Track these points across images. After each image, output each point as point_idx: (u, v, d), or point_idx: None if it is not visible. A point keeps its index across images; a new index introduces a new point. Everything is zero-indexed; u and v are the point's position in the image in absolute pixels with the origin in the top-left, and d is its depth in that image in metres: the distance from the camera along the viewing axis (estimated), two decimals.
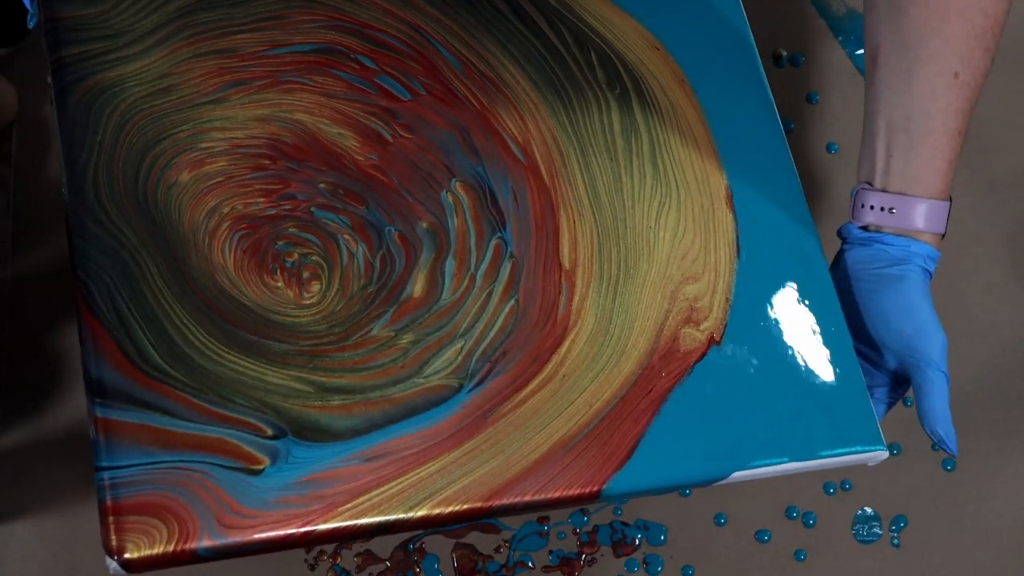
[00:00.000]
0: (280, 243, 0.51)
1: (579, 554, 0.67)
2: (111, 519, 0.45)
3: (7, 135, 0.65)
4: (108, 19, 0.53)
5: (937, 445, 0.54)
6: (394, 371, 0.50)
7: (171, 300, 0.49)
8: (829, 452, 0.52)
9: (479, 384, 0.51)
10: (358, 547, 0.65)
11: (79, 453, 0.63)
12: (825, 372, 0.54)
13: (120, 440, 0.46)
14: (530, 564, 0.66)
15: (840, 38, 0.74)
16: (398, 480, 0.48)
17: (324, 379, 0.49)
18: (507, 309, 0.52)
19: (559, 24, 0.56)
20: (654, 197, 0.55)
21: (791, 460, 0.51)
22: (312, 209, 0.52)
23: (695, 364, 0.53)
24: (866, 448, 0.53)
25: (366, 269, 0.52)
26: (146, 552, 0.45)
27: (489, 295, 0.52)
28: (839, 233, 0.58)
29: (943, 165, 0.54)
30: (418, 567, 0.65)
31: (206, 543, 0.45)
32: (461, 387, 0.50)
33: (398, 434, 0.49)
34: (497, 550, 0.66)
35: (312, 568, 0.65)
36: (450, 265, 0.52)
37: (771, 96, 0.57)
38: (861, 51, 0.74)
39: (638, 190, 0.55)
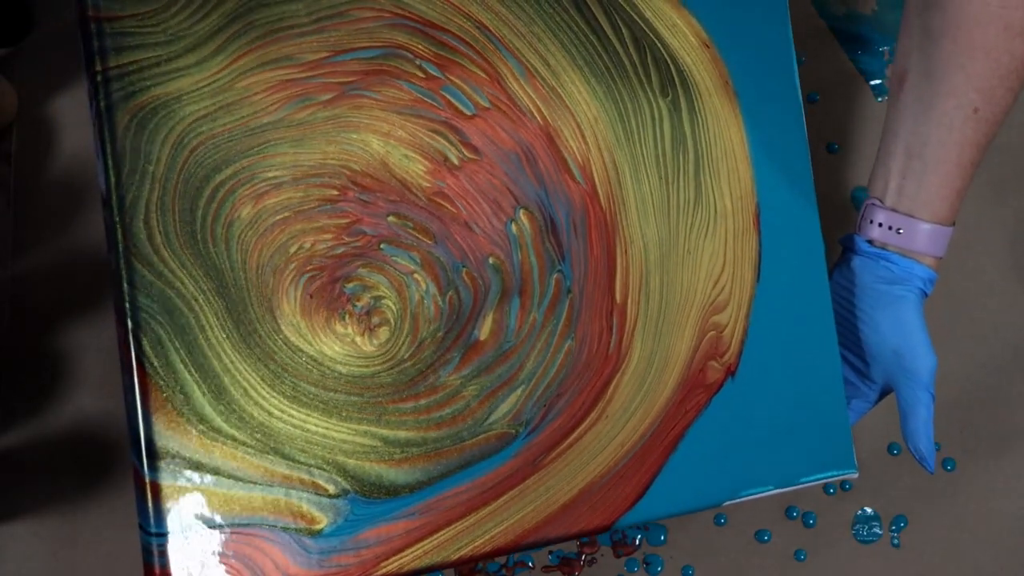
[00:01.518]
0: (349, 286, 0.49)
1: (579, 554, 0.67)
2: None
3: (7, 135, 0.65)
4: (161, 21, 0.47)
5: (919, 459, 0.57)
6: (459, 421, 0.49)
7: (231, 353, 0.46)
8: (808, 478, 0.55)
9: (535, 430, 0.50)
10: None
11: (79, 453, 0.63)
12: (816, 402, 0.55)
13: (172, 505, 0.44)
14: (530, 564, 0.66)
15: (841, 41, 0.74)
16: (442, 532, 0.48)
17: (390, 432, 0.48)
18: (564, 350, 0.51)
19: (617, 19, 0.54)
20: (695, 220, 0.54)
21: (775, 488, 0.54)
22: (381, 245, 0.49)
23: (713, 397, 0.53)
24: (841, 472, 0.56)
25: (435, 312, 0.50)
26: None
27: (550, 335, 0.51)
28: (843, 242, 0.60)
29: (952, 194, 0.56)
30: None
31: None
32: (518, 434, 0.50)
33: (453, 486, 0.49)
34: None
35: None
36: (515, 304, 0.51)
37: (801, 101, 0.57)
38: (860, 52, 0.74)
39: (682, 212, 0.54)
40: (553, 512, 0.50)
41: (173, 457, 0.45)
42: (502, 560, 0.66)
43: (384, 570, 0.47)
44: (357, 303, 0.48)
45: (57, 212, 0.64)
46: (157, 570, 0.44)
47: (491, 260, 0.50)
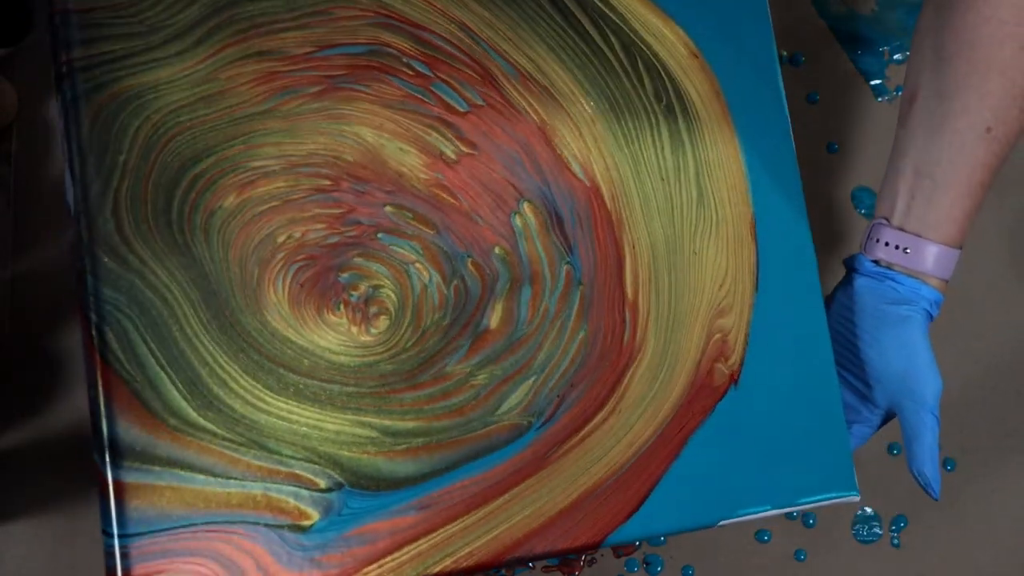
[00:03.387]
0: (344, 275, 0.46)
1: (579, 554, 0.67)
2: None
3: (7, 135, 0.65)
4: (138, 11, 0.45)
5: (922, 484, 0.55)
6: (468, 410, 0.47)
7: (209, 344, 0.44)
8: (807, 499, 0.53)
9: (548, 420, 0.48)
10: None
11: (79, 453, 0.63)
12: (815, 422, 0.54)
13: (136, 504, 0.41)
14: (530, 564, 0.66)
15: (839, 40, 0.74)
16: (440, 531, 0.45)
17: (390, 422, 0.46)
18: (578, 340, 0.50)
19: (604, 27, 0.53)
20: (698, 221, 0.53)
21: (772, 508, 0.52)
22: (379, 235, 0.47)
23: (717, 403, 0.52)
24: (842, 494, 0.54)
25: (440, 300, 0.48)
26: None
27: (563, 325, 0.50)
28: (847, 262, 0.59)
29: (961, 215, 0.54)
30: None
31: None
32: (531, 425, 0.48)
33: (459, 478, 0.46)
34: None
35: None
36: (526, 293, 0.49)
37: (787, 113, 0.57)
38: (860, 52, 0.74)
39: (686, 212, 0.53)
40: (548, 519, 0.48)
41: (139, 454, 0.42)
42: None
43: (375, 571, 0.44)
44: (353, 292, 0.46)
45: (57, 212, 0.64)
46: (119, 573, 0.41)
47: (497, 250, 0.49)
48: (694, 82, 0.55)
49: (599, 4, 0.53)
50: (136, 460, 0.42)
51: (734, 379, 0.53)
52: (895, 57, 0.74)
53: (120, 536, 0.41)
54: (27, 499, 0.63)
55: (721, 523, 0.52)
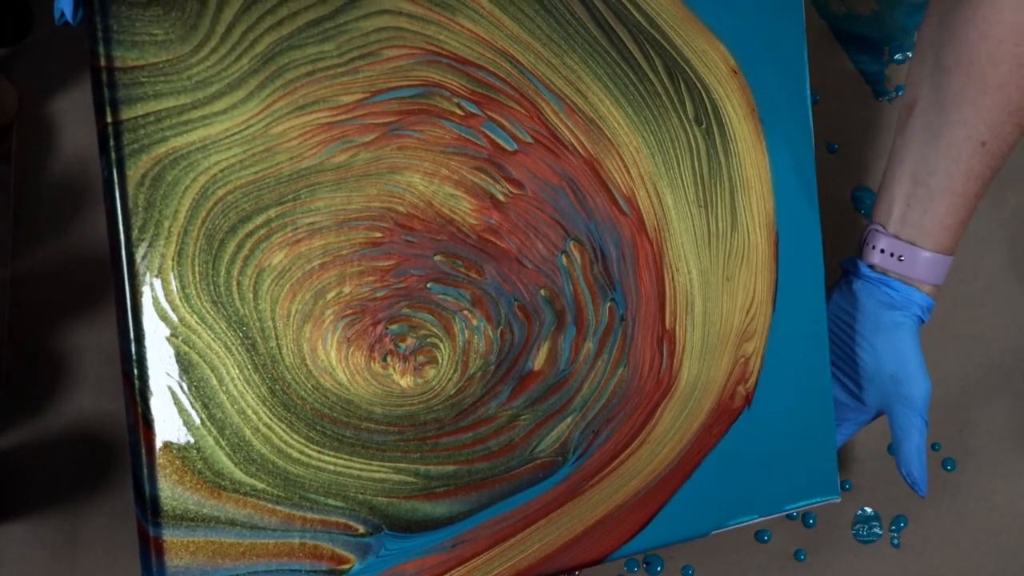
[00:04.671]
0: (393, 327, 0.46)
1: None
2: None
3: (7, 135, 0.65)
4: (188, 67, 0.43)
5: (909, 480, 0.58)
6: (506, 451, 0.48)
7: (254, 402, 0.43)
8: (792, 504, 0.55)
9: (583, 455, 0.49)
10: None
11: (79, 453, 0.63)
12: (807, 431, 0.55)
13: (177, 562, 0.42)
14: None
15: (840, 41, 0.74)
16: (465, 564, 0.46)
17: (431, 467, 0.46)
18: (617, 377, 0.50)
19: (647, 47, 0.52)
20: (732, 249, 0.54)
21: (760, 516, 0.54)
22: (429, 285, 0.47)
23: (733, 424, 0.53)
24: (824, 498, 0.56)
25: (487, 346, 0.48)
26: None
27: (604, 363, 0.50)
28: (844, 265, 0.60)
29: (955, 224, 0.56)
30: None
31: None
32: (565, 461, 0.49)
33: (493, 514, 0.47)
34: None
35: None
36: (570, 333, 0.49)
37: (811, 127, 0.57)
38: (860, 52, 0.74)
39: (721, 240, 0.54)
40: (563, 544, 0.49)
41: (183, 513, 0.42)
42: None
43: None
44: (401, 343, 0.46)
45: (57, 212, 0.64)
46: None
47: (543, 292, 0.49)
48: (732, 101, 0.54)
49: (639, 18, 0.52)
50: (179, 519, 0.42)
51: (748, 400, 0.54)
52: (895, 57, 0.74)
53: None
54: (27, 499, 0.63)
55: (714, 532, 0.53)
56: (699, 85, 0.53)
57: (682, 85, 0.53)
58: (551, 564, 0.49)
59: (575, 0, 0.50)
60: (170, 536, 0.42)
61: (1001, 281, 0.72)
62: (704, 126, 0.53)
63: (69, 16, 0.40)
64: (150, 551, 0.42)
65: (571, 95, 0.50)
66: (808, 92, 0.57)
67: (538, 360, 0.49)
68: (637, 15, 0.51)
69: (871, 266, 0.58)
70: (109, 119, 0.42)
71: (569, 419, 0.49)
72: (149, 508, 0.42)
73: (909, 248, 0.57)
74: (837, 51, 0.74)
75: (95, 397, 0.64)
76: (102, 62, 0.41)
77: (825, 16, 0.74)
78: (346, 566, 0.44)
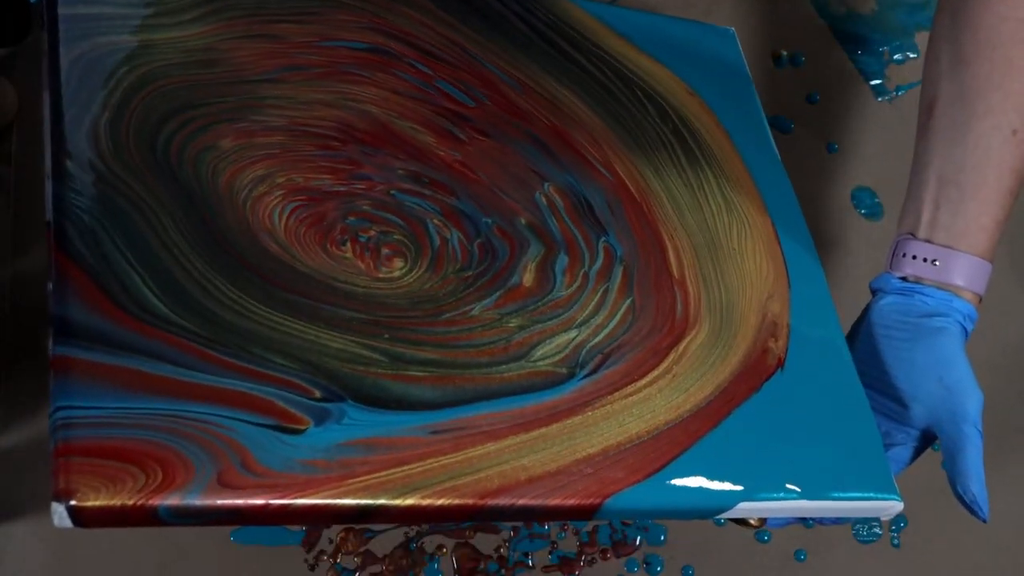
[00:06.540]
0: (351, 218, 0.42)
1: (579, 554, 0.67)
2: (64, 459, 0.33)
3: (7, 135, 0.65)
4: None
5: (969, 503, 0.52)
6: (497, 351, 0.43)
7: (189, 254, 0.38)
8: (841, 495, 0.48)
9: (592, 373, 0.44)
10: (357, 544, 0.65)
11: None
12: (847, 417, 0.51)
13: (90, 380, 0.35)
14: (530, 564, 0.66)
15: (839, 40, 0.74)
16: (442, 458, 0.39)
17: (405, 350, 0.41)
18: (625, 306, 0.47)
19: (600, 64, 0.51)
20: (732, 223, 0.52)
21: (800, 498, 0.47)
22: (392, 192, 0.43)
23: (764, 382, 0.49)
24: (879, 495, 0.49)
25: (463, 254, 0.44)
26: (107, 501, 0.34)
27: (605, 292, 0.47)
28: (873, 285, 0.56)
29: (990, 223, 0.52)
30: (418, 567, 0.65)
31: (173, 502, 0.34)
32: (573, 375, 0.44)
33: (483, 411, 0.41)
34: (497, 550, 0.66)
35: (312, 568, 0.64)
36: (562, 261, 0.46)
37: (777, 154, 0.57)
38: (860, 52, 0.74)
39: (717, 216, 0.52)
40: (551, 469, 0.41)
41: (96, 335, 0.35)
42: (501, 554, 0.66)
43: (358, 484, 0.37)
44: (362, 234, 0.41)
45: None
46: (60, 444, 0.33)
47: (523, 220, 0.45)
48: (695, 113, 0.53)
49: (591, 46, 0.51)
50: (92, 341, 0.35)
51: (780, 363, 0.50)
52: (895, 57, 0.74)
53: (65, 408, 0.34)
54: (27, 499, 0.63)
55: (739, 506, 0.46)
56: (656, 95, 0.53)
57: (639, 92, 0.52)
58: (528, 492, 0.41)
59: (517, 18, 0.50)
60: (82, 356, 0.35)
61: (1001, 281, 0.72)
62: (671, 126, 0.52)
63: None
64: (57, 371, 0.35)
65: (527, 81, 0.49)
66: (763, 117, 0.57)
67: (527, 277, 0.44)
68: (576, 35, 0.52)
69: (903, 278, 0.53)
70: (52, 12, 0.40)
71: (571, 335, 0.45)
72: (59, 330, 0.35)
73: (944, 252, 0.52)
74: (837, 51, 0.74)
75: None
76: None
77: (825, 16, 0.74)
78: (300, 426, 0.37)
